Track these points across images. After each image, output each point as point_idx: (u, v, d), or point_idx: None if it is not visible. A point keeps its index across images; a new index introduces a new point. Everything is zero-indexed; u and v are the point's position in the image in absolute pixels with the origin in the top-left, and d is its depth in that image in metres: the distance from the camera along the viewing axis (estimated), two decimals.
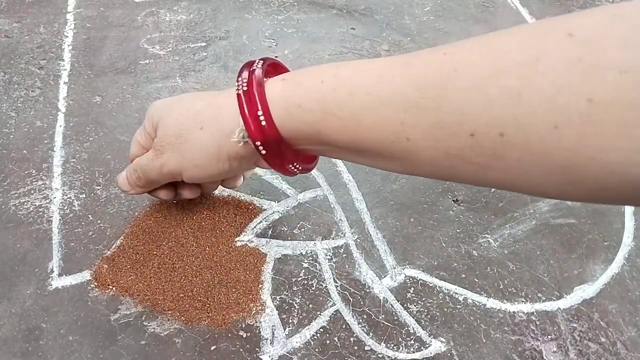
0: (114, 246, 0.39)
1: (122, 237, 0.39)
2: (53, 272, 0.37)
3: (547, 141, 0.21)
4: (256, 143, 0.29)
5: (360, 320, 0.36)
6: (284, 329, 0.35)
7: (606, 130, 0.19)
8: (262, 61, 0.30)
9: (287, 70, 0.32)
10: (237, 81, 0.29)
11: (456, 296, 0.37)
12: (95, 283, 0.37)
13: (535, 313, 0.37)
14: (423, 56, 0.26)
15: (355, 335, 0.35)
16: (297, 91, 0.28)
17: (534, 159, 0.21)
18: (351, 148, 0.28)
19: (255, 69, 0.29)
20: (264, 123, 0.28)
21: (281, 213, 0.42)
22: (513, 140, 0.22)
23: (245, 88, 0.29)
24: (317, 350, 0.34)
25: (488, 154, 0.23)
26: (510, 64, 0.22)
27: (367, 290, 0.37)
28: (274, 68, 0.32)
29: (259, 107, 0.28)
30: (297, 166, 0.31)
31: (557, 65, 0.20)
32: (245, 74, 0.29)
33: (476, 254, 0.40)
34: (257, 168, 0.45)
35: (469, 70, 0.23)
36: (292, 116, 0.28)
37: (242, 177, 0.40)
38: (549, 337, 0.36)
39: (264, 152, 0.29)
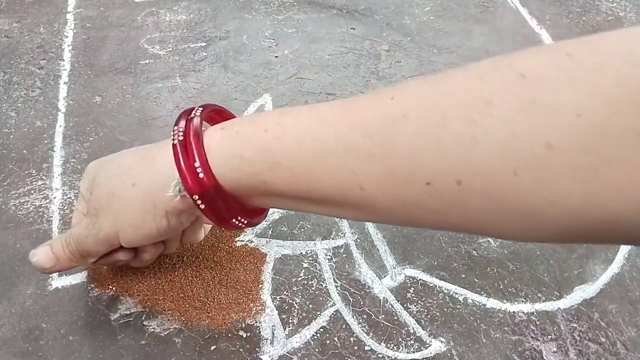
0: None
1: None
2: None
3: (506, 187, 0.20)
4: (194, 197, 0.26)
5: (360, 320, 0.36)
6: (284, 329, 0.35)
7: (564, 175, 0.18)
8: (201, 108, 0.29)
9: (233, 117, 0.30)
10: (173, 131, 0.27)
11: (456, 296, 0.37)
12: (95, 283, 0.37)
13: (535, 313, 0.37)
14: (366, 101, 0.24)
15: (355, 335, 0.35)
16: (237, 140, 0.26)
17: (494, 205, 0.21)
18: (301, 197, 0.26)
19: (193, 117, 0.28)
20: (201, 175, 0.26)
21: (281, 213, 0.42)
22: (471, 187, 0.20)
23: (181, 138, 0.27)
24: (317, 350, 0.34)
25: (446, 201, 0.22)
26: (459, 107, 0.20)
27: (367, 290, 0.37)
28: (219, 115, 0.30)
29: (196, 158, 0.26)
30: (242, 220, 0.29)
31: (510, 108, 0.19)
32: (182, 123, 0.27)
33: (476, 254, 0.40)
34: None
35: (417, 115, 0.22)
36: (232, 167, 0.26)
37: (202, 230, 0.36)
38: (549, 337, 0.36)
39: (202, 206, 0.27)
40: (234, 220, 0.29)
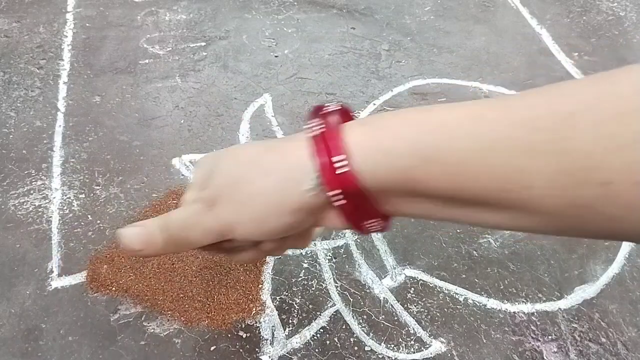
0: (113, 246, 0.39)
1: None
2: (52, 272, 0.37)
3: None
4: (332, 192, 0.25)
5: (361, 321, 0.36)
6: (284, 330, 0.35)
7: None
8: (334, 105, 0.28)
9: (350, 117, 0.29)
10: (309, 124, 0.27)
11: (456, 296, 0.37)
12: (95, 283, 0.36)
13: (535, 313, 0.37)
14: (525, 98, 0.24)
15: (355, 335, 0.35)
16: (382, 134, 0.25)
17: None
18: (450, 198, 0.25)
19: (328, 112, 0.27)
20: (342, 170, 0.25)
21: None
22: None
23: (319, 131, 0.26)
24: (317, 350, 0.34)
25: (623, 204, 0.21)
26: (635, 106, 0.20)
27: (367, 291, 0.37)
28: (345, 114, 0.30)
29: (336, 152, 0.25)
30: (375, 223, 0.28)
31: None
32: (317, 118, 0.27)
33: (477, 254, 0.40)
34: None
35: (589, 112, 0.21)
36: (376, 162, 0.25)
37: (312, 236, 0.34)
38: (550, 337, 0.36)
39: (340, 202, 0.26)
40: (367, 222, 0.27)
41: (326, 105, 0.28)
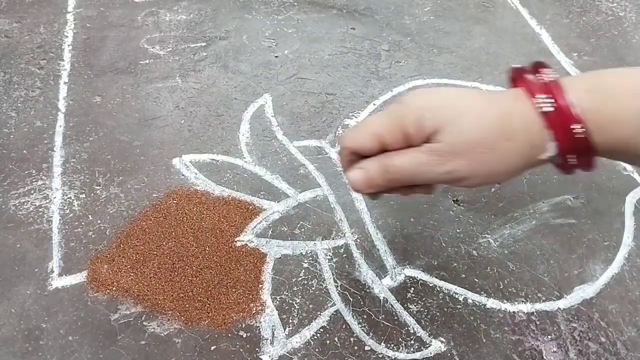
0: (114, 246, 0.39)
1: (122, 237, 0.39)
2: (53, 272, 0.37)
3: None
4: (570, 156, 0.29)
5: (360, 321, 0.36)
6: (284, 329, 0.35)
7: None
8: (544, 69, 0.30)
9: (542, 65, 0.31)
10: (535, 96, 0.29)
11: (456, 296, 0.37)
12: (95, 283, 0.37)
13: (535, 313, 0.37)
14: None
15: (355, 335, 0.35)
16: (608, 103, 0.28)
17: None
18: None
19: (550, 82, 0.29)
20: (579, 136, 0.28)
21: (281, 213, 0.42)
22: None
23: (552, 108, 0.29)
24: (317, 350, 0.34)
25: None
26: None
27: (367, 291, 0.37)
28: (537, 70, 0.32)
29: (573, 122, 0.28)
30: (587, 168, 0.31)
31: None
32: (541, 86, 0.29)
33: (476, 254, 0.40)
34: (257, 167, 0.45)
35: None
36: (602, 129, 0.28)
37: None
38: (549, 337, 0.36)
39: (574, 162, 0.29)
40: (586, 167, 0.30)
41: (534, 68, 0.30)
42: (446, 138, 0.30)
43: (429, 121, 0.30)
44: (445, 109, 0.31)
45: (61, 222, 0.40)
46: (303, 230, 0.41)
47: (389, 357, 0.34)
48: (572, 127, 0.28)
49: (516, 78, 0.31)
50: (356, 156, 0.33)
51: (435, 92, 0.33)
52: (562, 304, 0.38)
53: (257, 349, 0.34)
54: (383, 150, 0.32)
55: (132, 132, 0.47)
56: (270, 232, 0.40)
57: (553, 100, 0.29)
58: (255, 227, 0.41)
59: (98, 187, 0.43)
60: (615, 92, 0.28)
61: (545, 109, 0.29)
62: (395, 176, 0.31)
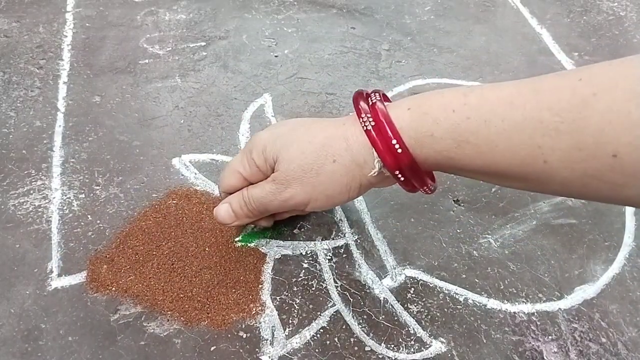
0: (113, 246, 0.39)
1: (121, 238, 0.39)
2: (52, 272, 0.37)
3: None
4: (395, 172, 0.31)
5: (361, 321, 0.36)
6: (284, 330, 0.35)
7: None
8: (377, 94, 0.32)
9: (388, 99, 0.33)
10: (361, 116, 0.31)
11: (457, 297, 0.37)
12: (95, 283, 0.36)
13: (535, 313, 0.37)
14: (552, 82, 0.27)
15: (355, 335, 0.35)
16: (426, 121, 0.29)
17: None
18: (482, 172, 0.29)
19: (376, 102, 0.31)
20: (399, 151, 0.29)
21: None
22: None
23: (373, 123, 0.30)
24: (317, 350, 0.34)
25: (628, 173, 0.24)
26: None
27: (368, 291, 0.37)
28: (384, 98, 0.34)
29: (392, 138, 0.29)
30: (429, 186, 0.33)
31: None
32: (366, 108, 0.31)
33: (477, 254, 0.40)
34: None
35: (608, 94, 0.24)
36: (422, 145, 0.29)
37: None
38: (550, 337, 0.36)
39: (402, 178, 0.31)
40: (425, 187, 0.32)
41: (369, 91, 0.32)
42: (281, 166, 0.33)
43: (270, 152, 0.33)
44: (282, 138, 0.34)
45: (60, 222, 0.40)
46: (303, 230, 0.41)
47: (389, 357, 0.34)
48: (392, 142, 0.29)
49: (353, 101, 0.33)
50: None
51: (281, 125, 0.36)
52: (563, 304, 0.37)
53: (257, 350, 0.34)
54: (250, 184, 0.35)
55: (132, 132, 0.47)
56: (270, 232, 0.40)
57: (372, 117, 0.30)
58: (255, 227, 0.40)
59: (97, 187, 0.43)
60: (431, 109, 0.29)
61: (367, 127, 0.30)
62: (253, 206, 0.35)
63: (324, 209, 0.36)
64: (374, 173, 0.31)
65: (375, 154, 0.30)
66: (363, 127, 0.31)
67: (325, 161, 0.32)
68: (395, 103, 0.31)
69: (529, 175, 0.27)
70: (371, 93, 0.32)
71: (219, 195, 0.39)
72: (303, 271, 0.38)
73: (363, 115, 0.31)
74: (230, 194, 0.36)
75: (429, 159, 0.30)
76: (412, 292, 0.38)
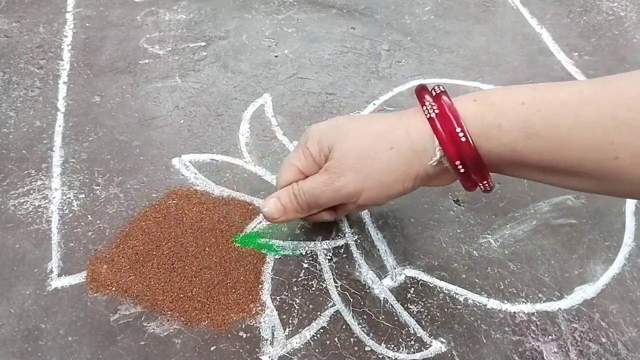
0: (113, 246, 0.39)
1: (121, 238, 0.39)
2: (52, 272, 0.37)
3: None
4: (456, 162, 0.30)
5: (361, 321, 0.36)
6: (284, 330, 0.35)
7: None
8: (439, 87, 0.31)
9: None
10: (424, 105, 0.31)
11: (457, 296, 0.37)
12: (95, 283, 0.36)
13: (535, 313, 0.37)
14: (625, 79, 0.27)
15: (355, 335, 0.35)
16: (493, 111, 0.29)
17: None
18: (546, 167, 0.29)
19: (440, 93, 0.31)
20: (463, 140, 0.29)
21: None
22: None
23: (437, 111, 0.30)
24: (317, 351, 0.34)
25: None
26: None
27: (368, 291, 0.37)
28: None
29: (456, 126, 0.29)
30: (487, 184, 0.32)
31: None
32: (430, 98, 0.31)
33: (477, 254, 0.40)
34: (257, 167, 0.45)
35: None
36: (488, 136, 0.29)
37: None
38: (550, 337, 0.36)
39: (462, 170, 0.30)
40: (483, 183, 0.31)
41: (431, 85, 0.32)
42: (335, 155, 0.32)
43: (325, 142, 0.33)
44: (337, 129, 0.33)
45: (60, 222, 0.40)
46: (303, 230, 0.41)
47: (389, 357, 0.34)
48: (455, 130, 0.29)
49: (416, 92, 0.32)
50: None
51: (337, 118, 0.35)
52: (563, 304, 0.37)
53: (257, 350, 0.34)
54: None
55: (132, 132, 0.47)
56: (270, 232, 0.40)
57: (437, 106, 0.30)
58: (255, 227, 0.40)
59: (97, 187, 0.43)
60: (499, 101, 0.29)
61: (431, 115, 0.30)
62: (303, 199, 0.34)
63: (377, 202, 0.34)
64: (434, 162, 0.30)
65: (436, 142, 0.30)
66: (426, 114, 0.30)
67: (381, 149, 0.31)
68: (459, 97, 0.31)
69: (598, 172, 0.27)
70: (435, 86, 0.32)
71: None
72: (303, 271, 0.38)
73: (427, 103, 0.30)
74: None
75: (494, 152, 0.29)
76: (412, 292, 0.38)
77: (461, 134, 0.29)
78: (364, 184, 0.32)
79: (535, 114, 0.28)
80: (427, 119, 0.30)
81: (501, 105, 0.29)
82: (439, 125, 0.29)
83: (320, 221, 0.38)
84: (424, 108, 0.30)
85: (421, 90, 0.32)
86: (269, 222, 0.37)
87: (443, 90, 0.31)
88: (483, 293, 0.38)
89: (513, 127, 0.28)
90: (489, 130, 0.29)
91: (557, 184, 0.30)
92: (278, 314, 0.36)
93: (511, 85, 0.30)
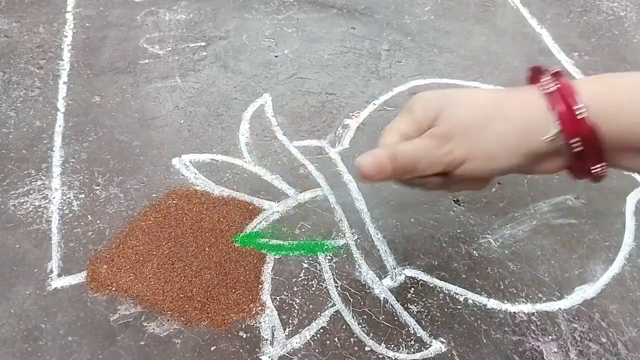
0: (113, 246, 0.39)
1: (121, 238, 0.39)
2: (52, 272, 0.37)
3: None
4: (572, 140, 0.28)
5: (361, 321, 0.36)
6: (284, 330, 0.35)
7: None
8: (553, 67, 0.31)
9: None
10: (541, 80, 0.30)
11: (457, 296, 0.37)
12: (95, 283, 0.36)
13: (535, 313, 0.37)
14: None
15: (355, 335, 0.35)
16: (614, 92, 0.28)
17: None
18: None
19: (557, 72, 0.30)
20: (581, 117, 0.28)
21: (281, 213, 0.42)
22: None
23: (554, 87, 0.29)
24: (317, 350, 0.34)
25: None
26: None
27: (368, 291, 0.37)
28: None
29: (576, 102, 0.28)
30: (602, 169, 0.30)
31: None
32: (547, 77, 0.30)
33: (477, 254, 0.40)
34: (257, 167, 0.45)
35: None
36: (607, 116, 0.28)
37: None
38: (550, 337, 0.36)
39: (578, 149, 0.29)
40: (597, 167, 0.30)
41: (543, 67, 0.30)
42: (444, 121, 0.31)
43: (432, 108, 0.32)
44: (447, 96, 0.32)
45: (60, 222, 0.40)
46: (303, 230, 0.41)
47: (389, 357, 0.34)
48: (575, 107, 0.28)
49: (531, 70, 0.31)
50: None
51: (445, 90, 0.34)
52: (563, 304, 0.37)
53: (257, 350, 0.34)
54: None
55: (132, 132, 0.47)
56: (270, 232, 0.40)
57: (557, 81, 0.29)
58: (255, 227, 0.40)
59: (97, 187, 0.43)
60: (620, 84, 0.29)
61: (549, 90, 0.29)
62: (402, 161, 0.32)
63: (479, 174, 0.32)
64: (549, 138, 0.29)
65: (555, 116, 0.28)
66: (544, 90, 0.29)
67: (494, 119, 0.30)
68: (575, 80, 0.30)
69: None
70: (550, 67, 0.31)
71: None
72: (303, 271, 0.38)
73: (544, 79, 0.29)
74: None
75: (612, 134, 0.28)
76: (412, 292, 0.37)
77: (581, 110, 0.28)
78: (470, 152, 0.31)
79: None
80: (546, 94, 0.29)
81: (622, 87, 0.28)
82: (558, 99, 0.28)
83: (420, 188, 0.35)
84: (541, 84, 0.29)
85: (534, 70, 0.31)
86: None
87: (560, 70, 0.30)
88: (483, 293, 0.38)
89: (634, 109, 0.28)
90: (609, 110, 0.28)
91: None
92: (278, 314, 0.36)
93: (629, 72, 0.31)
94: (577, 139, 0.29)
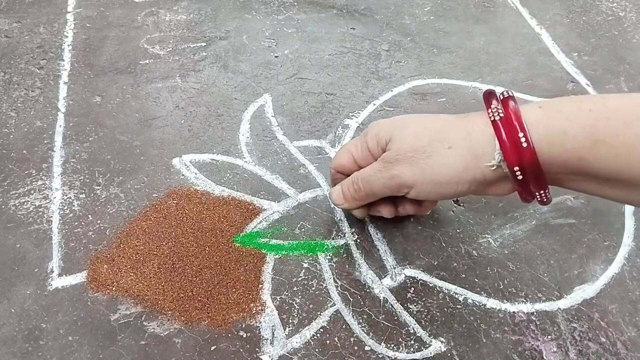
0: (113, 246, 0.39)
1: (122, 237, 0.39)
2: (53, 272, 0.37)
3: None
4: (514, 168, 0.29)
5: (360, 321, 0.36)
6: (284, 329, 0.35)
7: None
8: (508, 92, 0.31)
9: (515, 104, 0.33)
10: (489, 108, 0.30)
11: (456, 296, 0.37)
12: (95, 283, 0.37)
13: (535, 313, 0.37)
14: None
15: (355, 335, 0.35)
16: (559, 118, 0.28)
17: None
18: (610, 178, 0.28)
19: (508, 98, 0.31)
20: (524, 145, 0.28)
21: (281, 213, 0.42)
22: None
23: (501, 115, 0.29)
24: (317, 350, 0.34)
25: None
26: None
27: (367, 291, 0.37)
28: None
29: (519, 130, 0.28)
30: (545, 195, 0.31)
31: None
32: (496, 102, 0.31)
33: (476, 254, 0.40)
34: (257, 167, 0.45)
35: None
36: (552, 142, 0.28)
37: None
38: (549, 337, 0.36)
39: (520, 177, 0.30)
40: (540, 192, 0.31)
41: (498, 91, 0.32)
42: (392, 146, 0.33)
43: (383, 134, 0.34)
44: (397, 122, 0.34)
45: (61, 222, 0.40)
46: (303, 230, 0.41)
47: (389, 357, 0.34)
48: (518, 135, 0.28)
49: (484, 96, 0.32)
50: (343, 175, 0.38)
51: (399, 116, 0.36)
52: (562, 304, 0.38)
53: (257, 349, 0.34)
54: (359, 168, 0.36)
55: (132, 132, 0.47)
56: (270, 232, 0.40)
57: (502, 109, 0.30)
58: (255, 227, 0.41)
59: (98, 187, 0.43)
60: (565, 108, 0.29)
61: (495, 118, 0.30)
62: (360, 185, 0.35)
63: (428, 197, 0.34)
64: (493, 166, 0.30)
65: (497, 145, 0.29)
66: (491, 117, 0.30)
67: (439, 146, 0.31)
68: (525, 104, 0.31)
69: None
70: (503, 91, 0.32)
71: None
72: (303, 271, 0.38)
73: (493, 106, 0.30)
74: (339, 172, 0.38)
75: (557, 159, 0.29)
76: (411, 291, 0.38)
77: (523, 139, 0.28)
78: (417, 177, 0.32)
79: (602, 121, 0.27)
80: (491, 122, 0.30)
81: (568, 112, 0.28)
82: (501, 129, 0.29)
83: (379, 215, 0.39)
84: (489, 111, 0.30)
85: (489, 95, 0.32)
86: (267, 225, 0.39)
87: (511, 95, 0.31)
88: (482, 293, 0.38)
89: (578, 134, 0.28)
90: (554, 136, 0.28)
91: (619, 198, 0.30)
92: (278, 314, 0.36)
93: (576, 96, 0.31)
94: (518, 168, 0.29)
